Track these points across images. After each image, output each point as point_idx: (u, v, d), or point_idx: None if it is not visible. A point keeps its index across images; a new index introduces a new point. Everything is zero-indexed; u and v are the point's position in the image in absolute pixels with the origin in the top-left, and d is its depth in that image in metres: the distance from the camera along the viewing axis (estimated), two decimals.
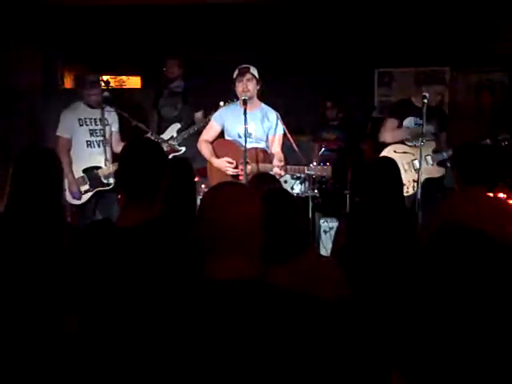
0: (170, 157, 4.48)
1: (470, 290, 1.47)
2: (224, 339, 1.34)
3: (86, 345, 1.85)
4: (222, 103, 4.47)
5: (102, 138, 4.50)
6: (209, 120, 4.47)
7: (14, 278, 2.16)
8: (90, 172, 4.49)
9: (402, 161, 4.41)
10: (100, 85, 4.55)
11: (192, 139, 4.66)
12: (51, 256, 2.16)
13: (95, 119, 4.52)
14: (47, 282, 2.13)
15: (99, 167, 4.49)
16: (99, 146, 4.50)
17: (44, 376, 2.07)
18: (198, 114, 5.21)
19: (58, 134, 4.53)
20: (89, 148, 4.51)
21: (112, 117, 4.60)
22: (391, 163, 3.01)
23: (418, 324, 1.54)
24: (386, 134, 4.59)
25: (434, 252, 1.58)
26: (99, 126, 4.52)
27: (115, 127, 4.65)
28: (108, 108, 4.55)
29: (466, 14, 6.17)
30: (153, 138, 4.51)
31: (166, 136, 4.86)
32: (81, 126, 4.50)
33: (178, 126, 4.96)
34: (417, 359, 1.50)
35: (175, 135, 4.86)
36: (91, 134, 4.51)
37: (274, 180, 3.17)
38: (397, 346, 1.59)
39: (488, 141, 4.26)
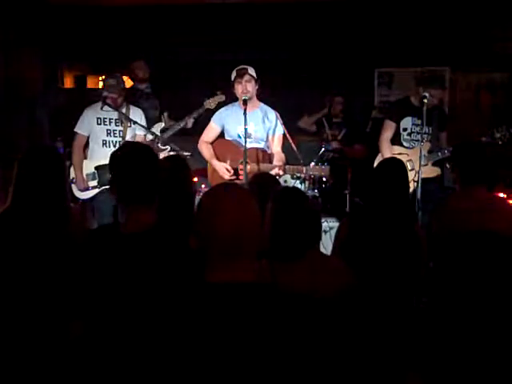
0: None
1: (493, 291, 1.47)
2: (227, 343, 1.33)
3: (91, 348, 1.85)
4: (206, 100, 4.54)
5: (120, 139, 4.46)
6: (189, 119, 4.63)
7: (18, 280, 2.16)
8: (102, 169, 4.46)
9: None
10: (120, 88, 4.46)
11: (192, 139, 4.67)
12: (57, 256, 2.16)
13: (115, 120, 4.49)
14: (53, 283, 2.13)
15: None
16: (115, 147, 4.38)
17: (48, 379, 2.07)
18: (165, 115, 5.25)
19: (75, 130, 4.52)
20: (104, 147, 4.46)
21: (138, 118, 4.54)
22: (399, 164, 3.01)
23: (439, 325, 1.54)
24: (382, 145, 4.58)
25: (456, 255, 1.56)
26: (119, 127, 4.49)
27: (139, 130, 4.56)
28: (134, 109, 4.55)
29: (466, 14, 6.16)
30: (153, 137, 4.52)
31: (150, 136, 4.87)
32: (98, 124, 4.48)
33: (161, 125, 4.97)
34: (433, 359, 1.49)
35: (159, 134, 4.86)
36: (108, 134, 4.48)
37: (273, 180, 3.17)
38: (413, 346, 1.59)
39: (484, 138, 4.21)
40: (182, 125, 4.74)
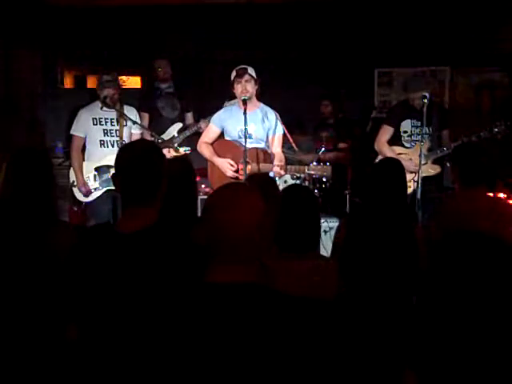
0: (170, 157, 4.48)
1: (480, 292, 1.47)
2: (224, 343, 1.34)
3: (87, 351, 1.84)
4: (226, 102, 4.56)
5: (117, 139, 4.45)
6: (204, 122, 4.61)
7: (8, 281, 2.16)
8: (102, 171, 4.46)
9: None
10: (116, 84, 4.47)
11: (192, 140, 4.67)
12: (46, 256, 2.15)
13: (111, 119, 4.46)
14: (44, 285, 2.12)
15: (112, 166, 4.44)
16: (113, 146, 4.44)
17: (44, 382, 2.07)
18: (189, 115, 5.26)
19: (71, 132, 4.50)
20: (102, 147, 4.45)
21: (133, 117, 4.53)
22: (397, 164, 3.02)
23: (428, 324, 1.54)
24: (382, 148, 4.58)
25: (446, 255, 1.57)
26: (115, 127, 4.47)
27: (135, 128, 4.57)
28: (128, 108, 4.54)
29: (466, 14, 6.17)
30: (153, 138, 4.52)
31: (167, 136, 4.89)
32: (95, 125, 4.44)
33: (179, 125, 5.01)
34: (428, 358, 1.50)
35: (176, 135, 4.89)
36: (105, 134, 4.45)
37: (269, 180, 3.16)
38: (408, 345, 1.59)
39: (482, 134, 4.21)
40: (196, 128, 4.80)
